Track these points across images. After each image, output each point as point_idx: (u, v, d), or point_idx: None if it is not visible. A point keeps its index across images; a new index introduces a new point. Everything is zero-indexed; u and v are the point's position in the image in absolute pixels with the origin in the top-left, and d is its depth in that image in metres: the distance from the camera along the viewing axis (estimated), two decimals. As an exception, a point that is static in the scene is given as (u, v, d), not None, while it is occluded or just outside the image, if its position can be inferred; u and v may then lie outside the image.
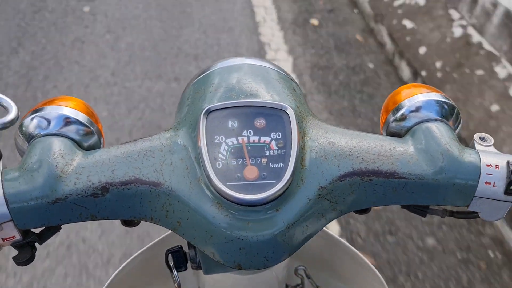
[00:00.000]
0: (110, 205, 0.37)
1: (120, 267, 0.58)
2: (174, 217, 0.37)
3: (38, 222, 0.36)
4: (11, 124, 0.35)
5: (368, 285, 0.66)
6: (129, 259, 0.59)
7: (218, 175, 0.35)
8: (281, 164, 0.36)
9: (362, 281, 0.67)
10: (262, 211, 0.35)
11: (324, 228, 0.63)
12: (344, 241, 0.63)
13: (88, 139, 0.41)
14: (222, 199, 0.35)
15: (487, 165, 0.38)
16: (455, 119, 0.43)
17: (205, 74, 0.44)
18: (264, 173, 0.36)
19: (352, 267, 0.67)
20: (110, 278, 0.57)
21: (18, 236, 0.37)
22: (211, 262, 0.44)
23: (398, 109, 0.43)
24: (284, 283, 0.64)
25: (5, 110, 0.35)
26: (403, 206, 0.47)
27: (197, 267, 0.44)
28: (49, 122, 0.39)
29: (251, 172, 0.36)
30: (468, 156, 0.39)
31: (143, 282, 0.66)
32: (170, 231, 0.62)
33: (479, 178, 0.38)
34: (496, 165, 0.38)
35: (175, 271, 0.45)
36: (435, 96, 0.43)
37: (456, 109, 0.43)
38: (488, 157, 0.38)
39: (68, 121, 0.40)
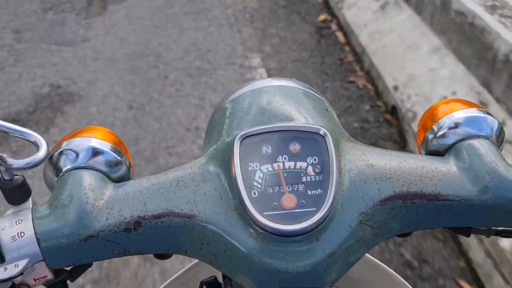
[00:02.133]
0: (143, 240, 0.36)
1: None
2: (209, 250, 0.35)
3: (70, 260, 0.35)
4: (42, 162, 0.34)
5: None
6: (163, 286, 0.58)
7: (254, 204, 0.34)
8: (319, 191, 0.34)
9: None
10: (302, 241, 0.33)
11: None
12: (378, 261, 0.61)
13: (117, 170, 0.40)
14: (259, 230, 0.34)
15: None
16: (498, 135, 0.41)
17: (233, 98, 0.42)
18: (303, 201, 0.34)
19: (385, 286, 0.65)
20: None
21: (50, 276, 0.36)
22: None
23: (437, 126, 0.41)
24: None
25: (35, 146, 0.34)
26: (446, 227, 0.45)
27: None
28: (77, 154, 0.38)
29: (289, 200, 0.34)
30: None
31: None
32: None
33: None
34: None
35: None
36: (476, 111, 0.41)
37: (499, 125, 0.41)
38: None
39: (97, 152, 0.39)
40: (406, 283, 0.59)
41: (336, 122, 0.41)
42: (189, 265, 0.60)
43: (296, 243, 0.33)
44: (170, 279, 0.59)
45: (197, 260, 0.60)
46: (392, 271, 0.60)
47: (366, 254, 0.61)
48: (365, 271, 0.65)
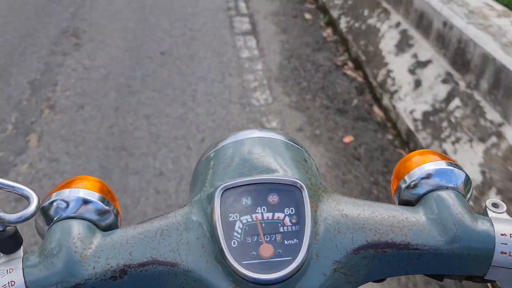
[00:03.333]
0: (128, 287, 0.37)
1: None
2: None
3: None
4: (33, 215, 0.36)
5: None
6: None
7: (233, 254, 0.36)
8: (295, 241, 0.36)
9: None
10: None
11: None
12: None
13: (105, 218, 0.42)
14: (238, 278, 0.35)
15: (501, 234, 0.38)
16: (465, 186, 0.43)
17: (216, 149, 0.45)
18: (279, 251, 0.36)
19: None
20: None
21: None
22: None
23: (409, 177, 0.44)
24: None
25: (26, 200, 0.36)
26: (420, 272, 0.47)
27: None
28: (67, 204, 0.40)
29: (266, 250, 0.36)
30: (481, 225, 0.39)
31: None
32: None
33: (494, 247, 0.38)
34: (510, 234, 0.38)
35: None
36: (446, 164, 0.43)
37: (467, 177, 0.43)
38: (501, 225, 0.39)
39: (86, 202, 0.41)
40: None
41: (314, 173, 0.43)
42: None
43: None
44: None
45: None
46: None
47: None
48: None
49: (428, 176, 0.43)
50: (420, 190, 0.43)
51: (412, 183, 0.43)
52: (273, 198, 0.38)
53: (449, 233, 0.38)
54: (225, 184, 0.39)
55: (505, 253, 0.37)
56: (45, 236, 0.40)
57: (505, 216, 0.40)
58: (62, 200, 0.40)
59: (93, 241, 0.39)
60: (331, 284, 0.37)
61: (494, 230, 0.38)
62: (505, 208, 0.41)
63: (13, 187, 0.36)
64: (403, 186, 0.44)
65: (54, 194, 0.41)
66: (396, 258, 0.38)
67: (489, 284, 0.41)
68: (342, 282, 0.37)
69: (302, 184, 0.38)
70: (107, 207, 0.42)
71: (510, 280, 0.39)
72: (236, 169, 0.41)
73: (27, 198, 0.36)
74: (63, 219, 0.40)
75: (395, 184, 0.45)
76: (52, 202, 0.40)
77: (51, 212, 0.40)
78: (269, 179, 0.39)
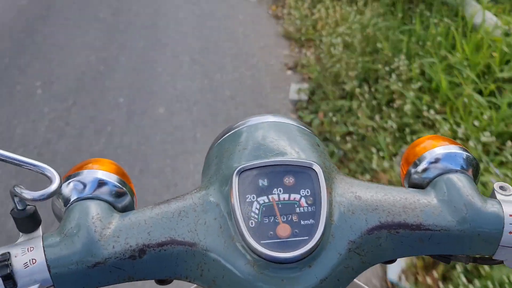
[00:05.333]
0: (147, 267, 0.38)
1: None
2: (210, 276, 0.38)
3: (77, 286, 0.37)
4: (54, 194, 0.36)
5: None
6: None
7: (251, 233, 0.36)
8: (311, 221, 0.37)
9: None
10: (296, 268, 0.36)
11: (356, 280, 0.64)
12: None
13: (122, 200, 0.42)
14: (256, 257, 0.36)
15: (510, 215, 0.39)
16: (474, 170, 0.44)
17: (231, 133, 0.45)
18: (296, 230, 0.37)
19: None
20: None
21: None
22: None
23: (419, 161, 0.45)
24: None
25: (48, 179, 0.36)
26: (427, 254, 0.48)
27: None
28: (84, 185, 0.41)
29: (283, 230, 0.37)
30: (490, 206, 0.40)
31: None
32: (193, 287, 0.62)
33: (503, 228, 0.39)
34: None
35: None
36: (455, 148, 0.44)
37: (475, 161, 0.44)
38: (510, 206, 0.40)
39: (103, 183, 0.41)
40: None
41: (327, 157, 0.44)
42: None
43: (290, 270, 0.36)
44: None
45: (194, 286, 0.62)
46: None
47: (362, 284, 0.63)
48: None
49: (438, 160, 0.44)
50: (430, 174, 0.44)
51: (422, 167, 0.44)
52: (289, 180, 0.39)
53: (460, 214, 0.40)
54: (242, 166, 0.39)
55: None
56: (63, 216, 0.40)
57: None
58: (79, 181, 0.41)
59: (112, 221, 0.39)
60: (346, 264, 0.38)
61: (503, 211, 0.39)
62: None
63: (35, 165, 0.37)
64: (413, 170, 0.45)
65: (71, 175, 0.42)
66: (408, 239, 0.39)
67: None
68: (356, 261, 0.38)
69: (318, 166, 0.39)
70: (123, 188, 0.42)
71: None
72: (252, 152, 0.41)
73: (48, 177, 0.36)
74: (81, 199, 0.40)
75: (404, 168, 0.47)
76: (69, 183, 0.41)
77: (69, 193, 0.41)
78: (285, 161, 0.40)
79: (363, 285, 0.63)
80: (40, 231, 0.38)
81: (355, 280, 0.63)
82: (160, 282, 0.43)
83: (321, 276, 0.36)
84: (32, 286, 0.36)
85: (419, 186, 0.44)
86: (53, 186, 0.36)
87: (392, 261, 0.44)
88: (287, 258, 0.35)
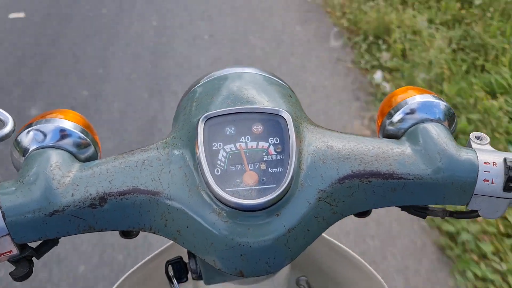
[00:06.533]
0: (108, 216, 0.37)
1: (120, 280, 0.57)
2: (174, 226, 0.36)
3: (36, 235, 0.36)
4: (8, 136, 0.34)
5: None
6: (129, 272, 0.58)
7: (217, 181, 0.35)
8: (280, 169, 0.36)
9: None
10: (263, 216, 0.35)
11: (327, 236, 0.63)
12: (347, 249, 0.63)
13: (85, 151, 0.40)
14: (221, 206, 0.35)
15: (485, 163, 0.38)
16: (450, 120, 0.43)
17: (200, 84, 0.44)
18: (264, 178, 0.36)
19: (355, 276, 0.66)
20: None
21: (15, 251, 0.36)
22: (212, 271, 0.43)
23: (393, 111, 0.43)
24: None
25: (1, 123, 0.34)
26: (403, 208, 0.47)
27: (198, 277, 0.44)
28: (45, 135, 0.39)
29: (250, 177, 0.36)
30: (465, 154, 0.39)
31: None
32: (168, 243, 0.61)
33: (477, 175, 0.38)
34: (493, 163, 0.38)
35: (175, 282, 0.44)
36: (430, 97, 0.43)
37: (450, 110, 0.43)
38: (485, 155, 0.39)
39: (64, 133, 0.40)
40: (377, 275, 0.61)
41: (299, 107, 0.43)
42: (156, 251, 0.61)
43: (256, 218, 0.35)
44: (137, 265, 0.59)
45: (163, 247, 0.61)
46: (360, 259, 0.62)
47: (334, 241, 0.63)
48: (332, 258, 0.67)
49: (413, 111, 0.42)
50: (405, 123, 0.42)
51: (397, 117, 0.43)
52: (257, 128, 0.38)
53: (433, 163, 0.38)
54: (208, 113, 0.38)
55: (488, 180, 0.38)
56: (21, 166, 0.38)
57: (488, 147, 0.40)
58: (39, 130, 0.39)
59: (72, 169, 0.37)
60: (316, 213, 0.36)
61: (477, 159, 0.38)
62: (488, 140, 0.41)
63: None
64: (388, 121, 0.44)
65: (31, 124, 0.40)
66: (381, 188, 0.38)
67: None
68: (327, 212, 0.37)
69: (288, 113, 0.38)
70: (87, 139, 0.41)
71: (491, 208, 0.39)
72: (219, 101, 0.40)
73: (1, 120, 0.34)
74: (41, 148, 0.39)
75: (379, 120, 0.45)
76: (29, 132, 0.39)
77: (28, 142, 0.39)
78: (253, 109, 0.38)
79: (337, 243, 0.62)
80: None
81: (329, 238, 0.63)
82: (124, 234, 0.42)
83: (289, 225, 0.35)
84: None
85: (394, 137, 0.43)
86: (6, 129, 0.34)
87: (365, 213, 0.43)
88: (253, 205, 0.34)
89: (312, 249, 0.69)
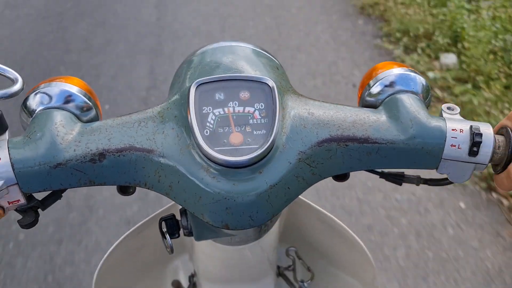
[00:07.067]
0: (106, 171, 0.40)
1: (116, 243, 0.61)
2: (166, 181, 0.40)
3: (41, 186, 0.40)
4: (17, 94, 0.38)
5: (357, 265, 0.69)
6: (125, 234, 0.62)
7: (206, 141, 0.39)
8: (263, 131, 0.39)
9: (351, 261, 0.70)
10: (247, 173, 0.38)
11: (316, 206, 0.67)
12: (335, 218, 0.66)
13: (87, 113, 0.44)
14: (209, 163, 0.38)
15: (452, 130, 0.41)
16: (425, 93, 0.46)
17: (195, 55, 0.47)
18: (249, 139, 0.39)
19: (342, 247, 0.70)
20: (108, 252, 0.60)
21: (22, 200, 0.40)
22: (202, 227, 0.47)
23: (372, 83, 0.47)
24: (276, 264, 0.68)
25: (11, 81, 0.38)
26: (381, 176, 0.50)
27: (189, 233, 0.48)
28: (51, 97, 0.43)
29: (236, 138, 0.39)
30: (435, 122, 0.42)
31: (139, 258, 0.69)
32: (161, 209, 0.65)
33: (445, 141, 0.41)
34: (460, 130, 0.41)
35: (168, 237, 0.48)
36: (407, 71, 0.46)
37: (425, 82, 0.46)
38: (453, 123, 0.42)
39: (68, 96, 0.43)
40: (362, 244, 0.65)
41: (285, 78, 0.46)
42: (152, 215, 0.65)
43: (241, 174, 0.38)
44: (133, 228, 0.63)
45: (158, 211, 0.65)
46: (348, 229, 0.65)
47: (324, 211, 0.66)
48: (320, 230, 0.70)
49: (390, 84, 0.46)
50: (383, 95, 0.46)
51: (374, 89, 0.46)
52: (244, 95, 0.41)
53: (405, 129, 0.42)
54: (200, 79, 0.41)
55: (455, 145, 0.41)
56: (29, 124, 0.42)
57: (458, 117, 0.43)
58: (46, 93, 0.43)
59: (74, 128, 0.41)
60: (296, 173, 0.40)
61: (446, 126, 0.42)
62: (458, 110, 0.44)
63: None
64: (367, 92, 0.47)
65: (38, 86, 0.43)
66: (357, 152, 0.42)
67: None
68: (306, 172, 0.41)
69: (273, 82, 0.41)
70: (89, 103, 0.44)
71: (459, 173, 0.42)
72: (211, 69, 0.43)
73: (11, 79, 0.38)
74: (47, 109, 0.42)
75: (360, 92, 0.49)
76: (36, 94, 0.43)
77: (35, 103, 0.43)
78: (241, 76, 0.42)
79: (327, 213, 0.65)
80: (6, 135, 0.41)
81: (318, 208, 0.66)
82: (122, 191, 0.45)
83: (271, 182, 0.38)
84: None
85: (373, 107, 0.47)
86: (16, 87, 0.38)
87: (343, 176, 0.47)
88: (238, 162, 0.38)
89: (301, 221, 0.72)
